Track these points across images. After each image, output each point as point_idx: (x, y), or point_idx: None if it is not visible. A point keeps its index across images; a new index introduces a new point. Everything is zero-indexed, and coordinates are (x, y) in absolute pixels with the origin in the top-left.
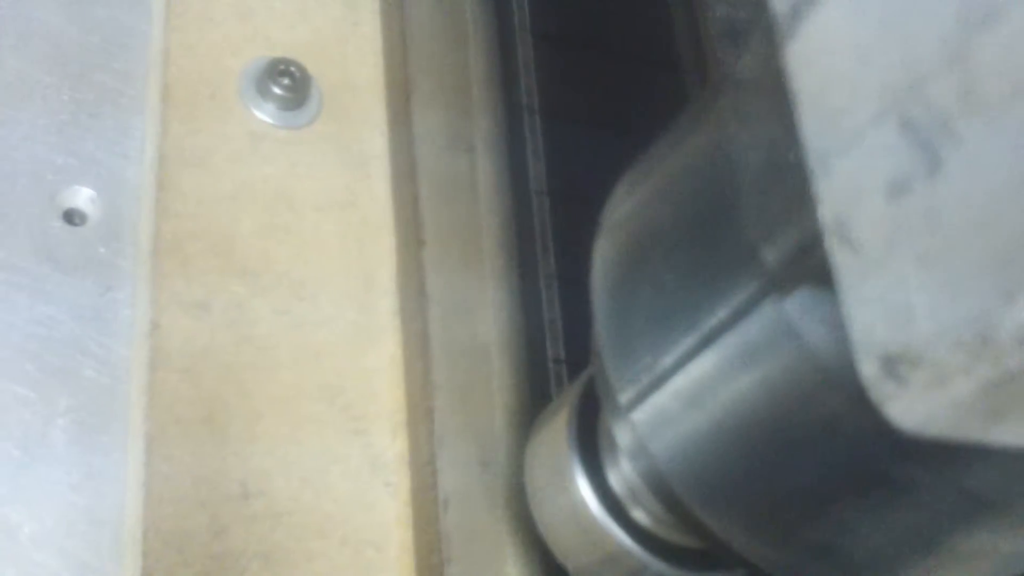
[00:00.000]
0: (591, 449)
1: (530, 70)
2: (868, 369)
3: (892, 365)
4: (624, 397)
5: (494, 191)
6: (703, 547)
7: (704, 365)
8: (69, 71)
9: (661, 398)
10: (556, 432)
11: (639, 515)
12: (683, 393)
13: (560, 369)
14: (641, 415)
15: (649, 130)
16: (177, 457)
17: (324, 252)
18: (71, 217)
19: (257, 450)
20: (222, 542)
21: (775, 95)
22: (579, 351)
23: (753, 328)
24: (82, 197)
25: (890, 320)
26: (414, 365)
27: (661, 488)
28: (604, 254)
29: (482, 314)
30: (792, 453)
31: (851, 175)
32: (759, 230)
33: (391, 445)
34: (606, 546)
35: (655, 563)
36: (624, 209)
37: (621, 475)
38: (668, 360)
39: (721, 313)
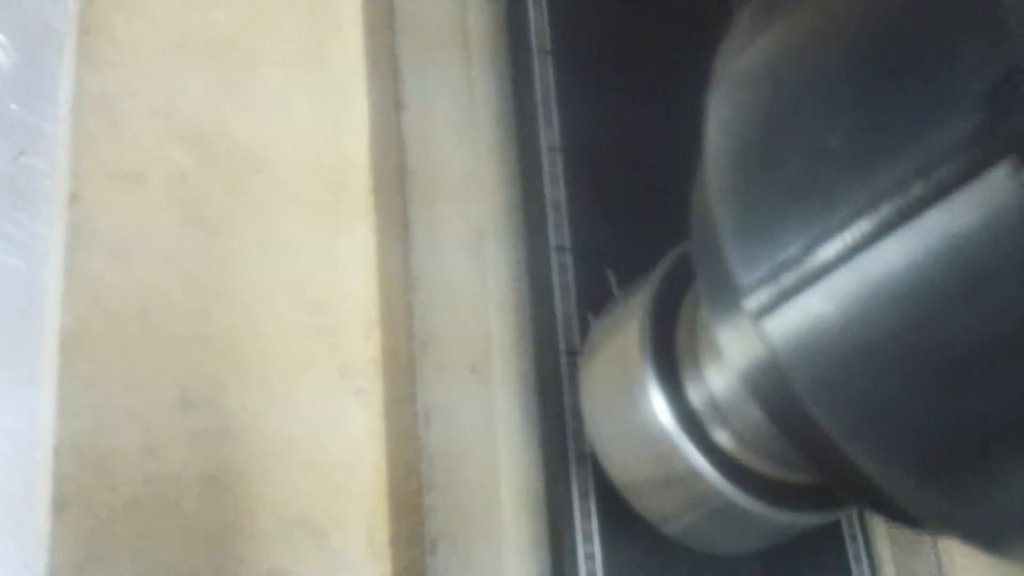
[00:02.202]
0: (667, 359)
1: None
2: None
3: None
4: (754, 300)
5: (488, 47)
6: (787, 479)
7: (883, 256)
8: None
9: (812, 301)
10: (626, 340)
11: (722, 436)
12: (848, 294)
13: (564, 258)
14: (779, 322)
15: None
16: (101, 358)
17: (287, 116)
18: None
19: (201, 352)
20: (156, 461)
21: None
22: (586, 239)
23: (968, 205)
24: None
25: None
26: (391, 253)
27: (784, 410)
28: (727, 112)
29: (472, 193)
30: (995, 374)
31: None
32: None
33: (363, 347)
34: (674, 464)
35: (729, 490)
36: (758, 50)
37: (706, 390)
38: (828, 251)
39: (918, 186)
